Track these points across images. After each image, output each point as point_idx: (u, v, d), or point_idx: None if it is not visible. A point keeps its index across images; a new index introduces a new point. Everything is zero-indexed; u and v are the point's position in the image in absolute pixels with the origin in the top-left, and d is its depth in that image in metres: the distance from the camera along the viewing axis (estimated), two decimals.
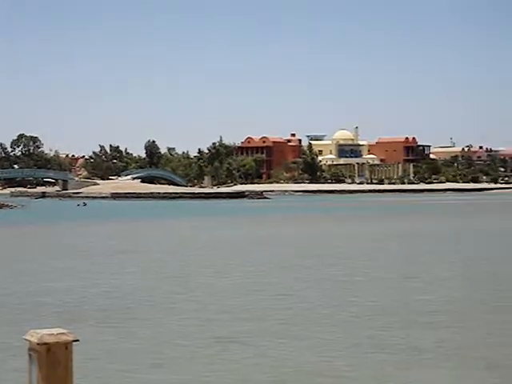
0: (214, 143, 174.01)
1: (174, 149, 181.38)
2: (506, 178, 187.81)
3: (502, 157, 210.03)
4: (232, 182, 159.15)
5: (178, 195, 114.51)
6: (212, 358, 11.83)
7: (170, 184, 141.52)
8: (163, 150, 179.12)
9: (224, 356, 11.96)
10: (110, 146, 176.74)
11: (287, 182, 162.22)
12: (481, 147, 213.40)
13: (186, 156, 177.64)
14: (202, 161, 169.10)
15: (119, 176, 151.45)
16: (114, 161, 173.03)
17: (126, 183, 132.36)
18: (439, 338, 13.01)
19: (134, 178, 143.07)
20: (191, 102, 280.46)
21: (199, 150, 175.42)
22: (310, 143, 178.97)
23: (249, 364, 11.48)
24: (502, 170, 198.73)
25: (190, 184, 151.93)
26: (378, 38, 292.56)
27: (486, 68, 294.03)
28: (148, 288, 19.41)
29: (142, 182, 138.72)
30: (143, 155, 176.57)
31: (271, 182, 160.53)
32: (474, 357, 11.66)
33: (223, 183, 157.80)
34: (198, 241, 35.87)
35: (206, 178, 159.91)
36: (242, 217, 61.05)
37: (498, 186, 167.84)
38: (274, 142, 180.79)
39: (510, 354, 11.81)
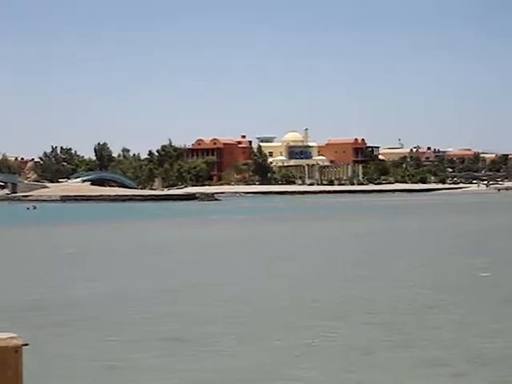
0: (163, 146, 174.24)
1: (128, 150, 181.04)
2: (455, 179, 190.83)
3: (449, 157, 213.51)
4: (183, 184, 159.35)
5: (128, 197, 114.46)
6: (162, 361, 11.92)
7: (120, 186, 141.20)
8: (117, 152, 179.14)
9: (175, 358, 12.04)
10: (61, 148, 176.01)
11: (238, 184, 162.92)
12: (429, 148, 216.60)
13: (136, 158, 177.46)
14: (152, 163, 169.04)
15: (69, 179, 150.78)
16: (64, 163, 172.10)
17: (76, 186, 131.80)
18: (379, 336, 13.33)
19: (83, 181, 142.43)
20: (144, 104, 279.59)
21: (149, 152, 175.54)
22: (259, 145, 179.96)
23: (197, 367, 11.53)
24: (450, 170, 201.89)
25: (140, 186, 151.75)
26: (323, 38, 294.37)
27: (431, 69, 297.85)
28: (88, 292, 19.44)
29: (92, 184, 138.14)
30: (94, 157, 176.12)
31: (222, 184, 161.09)
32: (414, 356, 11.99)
33: (174, 185, 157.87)
34: (145, 243, 36.15)
35: (156, 180, 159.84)
36: (192, 219, 61.47)
37: (446, 186, 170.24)
38: (224, 144, 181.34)
39: (442, 351, 12.18)
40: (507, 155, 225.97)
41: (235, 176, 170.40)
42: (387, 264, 24.93)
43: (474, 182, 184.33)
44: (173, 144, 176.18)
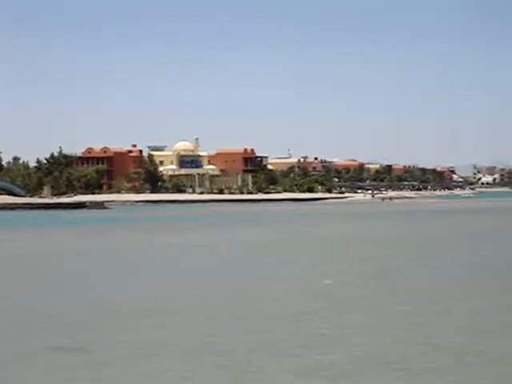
0: (52, 153, 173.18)
1: (18, 158, 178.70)
2: (343, 188, 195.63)
3: (335, 168, 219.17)
4: (72, 193, 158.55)
5: (17, 206, 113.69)
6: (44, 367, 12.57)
7: (9, 194, 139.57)
8: (8, 160, 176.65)
9: (58, 365, 12.69)
10: None
11: (128, 192, 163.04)
12: (316, 158, 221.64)
13: (25, 166, 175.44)
14: (41, 171, 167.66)
15: None
16: None
17: None
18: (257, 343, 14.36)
19: None
20: (35, 111, 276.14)
21: (38, 159, 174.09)
22: (150, 154, 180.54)
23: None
24: (336, 180, 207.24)
25: (29, 194, 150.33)
26: (215, 52, 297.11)
27: (316, 82, 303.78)
28: None
29: None
30: None
31: (112, 193, 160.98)
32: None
33: (63, 193, 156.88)
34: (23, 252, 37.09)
35: (45, 188, 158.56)
36: (80, 228, 62.12)
37: (333, 195, 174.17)
38: (114, 153, 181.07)
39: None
40: (391, 166, 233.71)
41: (126, 184, 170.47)
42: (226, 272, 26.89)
43: (359, 191, 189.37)
44: (63, 152, 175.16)
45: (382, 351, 13.47)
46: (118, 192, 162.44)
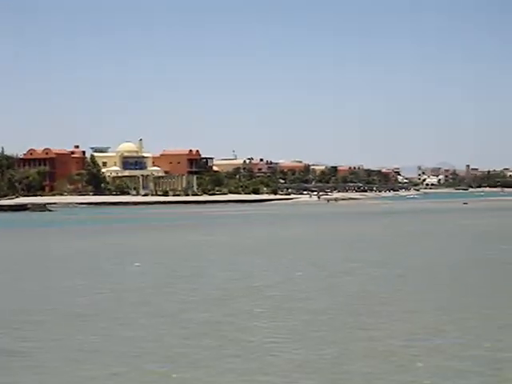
0: None
1: None
2: (290, 190, 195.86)
3: (281, 169, 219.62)
4: (14, 195, 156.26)
5: None
6: None
7: None
8: None
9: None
10: None
11: (71, 194, 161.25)
12: (261, 159, 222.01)
13: None
14: None
15: None
16: None
17: None
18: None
19: None
20: None
21: None
22: (92, 155, 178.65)
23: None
24: (282, 181, 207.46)
25: None
26: (161, 54, 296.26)
27: (261, 84, 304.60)
28: None
29: None
30: None
31: (54, 195, 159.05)
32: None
33: (5, 196, 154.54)
34: None
35: None
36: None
37: (278, 197, 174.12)
38: (57, 154, 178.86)
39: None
40: (336, 167, 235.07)
41: (68, 186, 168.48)
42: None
43: (305, 192, 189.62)
44: (4, 153, 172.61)
45: (319, 356, 13.22)
46: (61, 194, 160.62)
